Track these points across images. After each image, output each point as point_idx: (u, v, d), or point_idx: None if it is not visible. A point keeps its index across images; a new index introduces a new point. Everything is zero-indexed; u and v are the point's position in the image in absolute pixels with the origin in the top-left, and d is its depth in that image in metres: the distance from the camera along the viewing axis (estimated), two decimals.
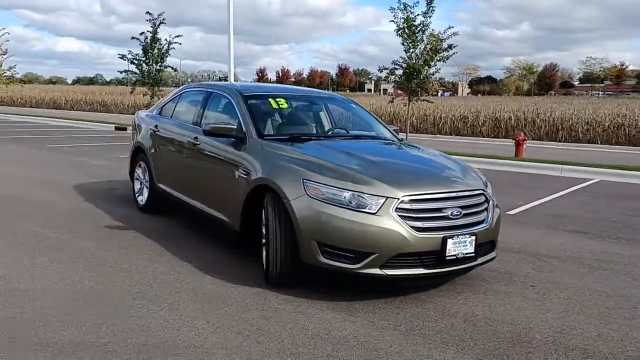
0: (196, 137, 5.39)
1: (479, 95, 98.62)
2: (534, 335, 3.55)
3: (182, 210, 6.46)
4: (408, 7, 15.22)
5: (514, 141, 14.86)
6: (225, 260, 4.91)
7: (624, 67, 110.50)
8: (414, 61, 15.58)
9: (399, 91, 21.32)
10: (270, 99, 5.38)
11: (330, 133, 5.49)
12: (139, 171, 6.75)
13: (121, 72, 24.21)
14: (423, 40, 15.54)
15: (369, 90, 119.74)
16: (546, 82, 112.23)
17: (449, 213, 3.98)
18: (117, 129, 20.60)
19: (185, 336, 3.39)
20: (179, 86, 9.23)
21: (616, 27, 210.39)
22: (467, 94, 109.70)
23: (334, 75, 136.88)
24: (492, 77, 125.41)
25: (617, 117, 22.53)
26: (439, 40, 15.38)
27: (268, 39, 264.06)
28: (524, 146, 14.38)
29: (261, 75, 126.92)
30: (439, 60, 15.50)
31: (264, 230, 4.50)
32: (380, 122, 5.90)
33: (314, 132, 5.43)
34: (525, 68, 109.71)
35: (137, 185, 6.80)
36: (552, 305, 4.10)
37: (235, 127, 4.87)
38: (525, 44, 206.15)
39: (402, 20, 15.42)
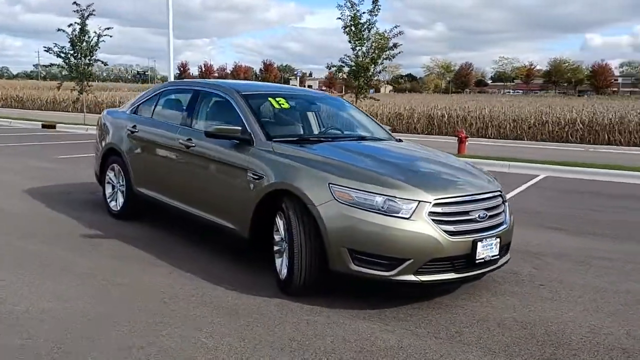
0: (189, 139, 5.08)
1: (402, 93, 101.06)
2: (570, 337, 3.59)
3: (164, 215, 6.13)
4: (354, 5, 15.27)
5: (456, 138, 15.30)
6: (231, 270, 4.65)
7: (532, 66, 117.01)
8: (361, 59, 15.65)
9: (333, 90, 21.39)
10: (270, 99, 5.15)
11: (337, 134, 5.30)
12: (110, 174, 6.30)
13: (47, 66, 22.79)
14: (369, 39, 15.65)
15: (294, 86, 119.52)
16: (462, 80, 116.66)
17: (476, 216, 3.95)
18: (44, 126, 19.32)
19: (226, 356, 3.15)
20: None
21: (522, 29, 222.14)
22: (389, 92, 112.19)
23: (258, 71, 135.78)
24: (413, 75, 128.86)
25: (541, 115, 23.72)
26: (385, 39, 15.54)
27: (189, 32, 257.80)
28: (466, 143, 14.84)
29: (183, 70, 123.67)
30: (386, 59, 15.66)
31: (276, 237, 4.32)
32: (375, 122, 5.82)
33: (319, 132, 5.26)
34: (443, 67, 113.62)
35: (108, 190, 6.34)
36: (570, 304, 4.17)
37: (240, 128, 4.61)
38: (442, 44, 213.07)
39: (349, 18, 15.45)
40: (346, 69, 16.03)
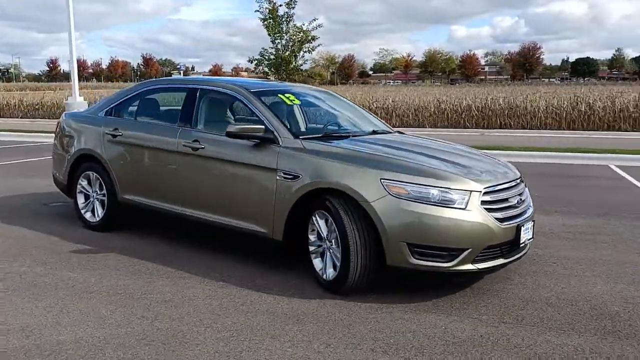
0: (195, 141, 4.79)
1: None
2: (614, 309, 3.86)
3: (148, 223, 5.75)
4: None
5: None
6: (260, 273, 4.48)
7: (410, 57, 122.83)
8: (281, 52, 15.58)
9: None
10: (280, 95, 4.99)
11: (353, 129, 5.18)
12: (83, 183, 5.77)
13: None
14: (288, 32, 15.61)
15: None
16: (345, 72, 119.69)
17: (515, 202, 4.12)
18: None
19: None
20: None
21: (394, 21, 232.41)
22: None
23: (135, 65, 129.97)
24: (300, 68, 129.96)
25: (440, 104, 25.02)
26: (304, 32, 15.58)
27: (53, 26, 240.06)
28: None
29: (53, 67, 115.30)
30: (306, 52, 15.71)
31: (311, 238, 4.24)
32: (373, 115, 5.83)
33: (336, 128, 5.15)
34: (328, 59, 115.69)
35: (81, 200, 5.81)
36: (591, 278, 4.48)
37: (263, 127, 4.42)
38: (324, 36, 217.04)
39: (267, 10, 15.32)
40: (266, 63, 15.86)
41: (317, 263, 4.23)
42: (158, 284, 4.24)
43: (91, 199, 5.74)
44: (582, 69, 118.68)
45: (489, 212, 3.86)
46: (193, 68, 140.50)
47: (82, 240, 5.36)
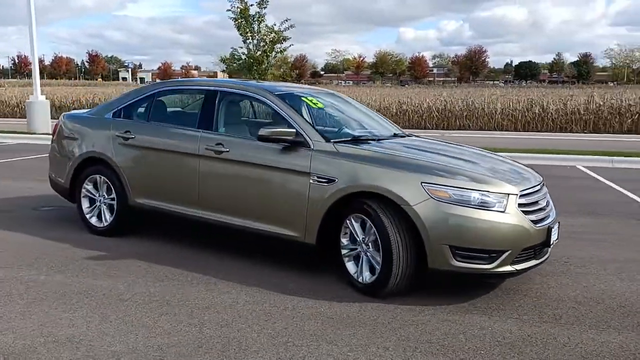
0: (219, 144, 4.72)
1: None
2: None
3: (161, 227, 5.63)
4: None
5: None
6: (291, 278, 4.45)
7: (361, 58, 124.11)
8: (252, 52, 15.48)
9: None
10: (304, 99, 4.98)
11: (375, 132, 5.19)
12: (88, 187, 5.58)
13: None
14: (260, 32, 15.52)
15: (124, 78, 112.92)
16: (298, 71, 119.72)
17: (544, 204, 4.27)
18: None
19: None
20: None
21: (343, 22, 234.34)
22: None
23: (80, 62, 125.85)
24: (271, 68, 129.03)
25: (401, 105, 25.44)
26: (276, 33, 15.53)
27: None
28: None
29: None
30: (279, 52, 15.65)
31: (344, 241, 4.26)
32: (382, 116, 5.87)
33: (361, 131, 5.12)
34: (280, 58, 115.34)
35: (85, 204, 5.62)
36: (607, 277, 4.66)
37: (294, 130, 4.41)
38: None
39: (238, 10, 15.18)
40: (237, 62, 15.71)
41: (350, 267, 4.25)
42: (191, 290, 4.16)
43: (97, 204, 5.56)
44: (525, 72, 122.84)
45: (525, 214, 3.98)
46: (140, 66, 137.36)
47: (91, 246, 5.19)
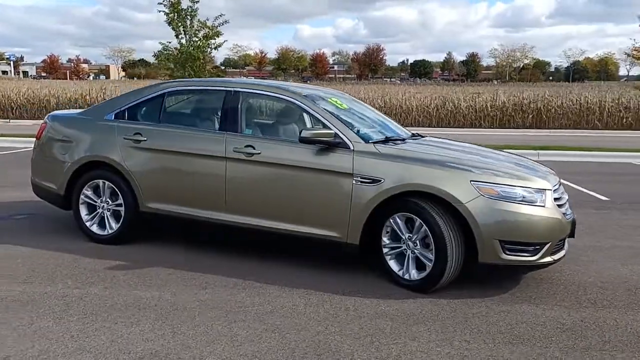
0: (249, 146, 4.63)
1: (135, 78, 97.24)
2: None
3: (168, 233, 5.43)
4: None
5: None
6: (335, 277, 4.48)
7: (263, 54, 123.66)
8: (185, 47, 15.05)
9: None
10: (330, 100, 4.99)
11: (401, 133, 5.31)
12: (88, 192, 5.25)
13: None
14: (193, 27, 15.12)
15: (5, 72, 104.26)
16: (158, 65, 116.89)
17: (566, 199, 4.62)
18: None
19: (489, 357, 3.25)
20: None
21: (240, 17, 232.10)
22: (122, 78, 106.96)
23: None
24: (147, 61, 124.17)
25: None
26: (209, 28, 15.20)
27: None
28: None
29: None
30: (214, 48, 15.33)
31: (386, 240, 4.37)
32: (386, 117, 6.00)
33: (388, 132, 5.18)
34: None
35: (84, 211, 5.28)
36: (608, 262, 5.10)
37: (334, 132, 4.43)
38: (166, 28, 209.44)
39: (170, 4, 14.71)
40: (171, 58, 15.22)
41: (393, 265, 4.36)
42: (242, 296, 4.08)
43: (99, 210, 5.24)
44: (420, 70, 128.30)
45: (559, 208, 4.29)
46: (22, 58, 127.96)
47: (102, 255, 4.90)
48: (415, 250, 4.24)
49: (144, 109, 5.28)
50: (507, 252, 4.07)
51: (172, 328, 3.51)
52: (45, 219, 6.14)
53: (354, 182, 4.33)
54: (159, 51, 15.32)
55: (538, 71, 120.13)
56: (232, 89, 4.95)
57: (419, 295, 4.17)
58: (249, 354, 3.20)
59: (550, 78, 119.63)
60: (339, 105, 5.05)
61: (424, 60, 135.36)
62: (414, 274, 4.24)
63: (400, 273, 4.31)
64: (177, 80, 5.33)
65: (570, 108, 26.23)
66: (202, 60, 15.17)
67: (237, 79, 5.69)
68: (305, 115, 4.82)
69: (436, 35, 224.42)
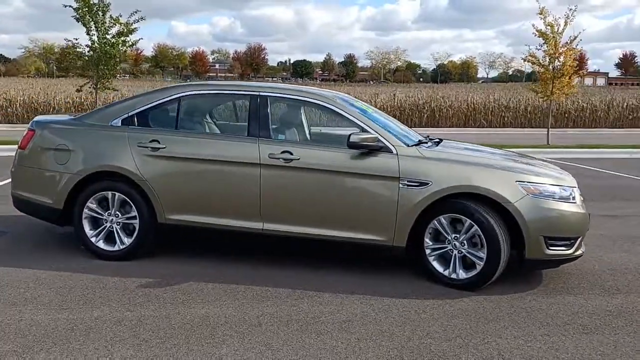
0: (286, 152, 4.50)
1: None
2: None
3: (186, 241, 5.12)
4: None
5: None
6: (379, 280, 4.48)
7: (139, 51, 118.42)
8: (98, 45, 14.12)
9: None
10: (355, 103, 4.96)
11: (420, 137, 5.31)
12: (93, 206, 4.79)
13: None
14: (105, 23, 14.21)
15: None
16: (63, 64, 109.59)
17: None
18: None
19: (578, 350, 3.46)
20: None
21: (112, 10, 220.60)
22: None
23: None
24: (5, 57, 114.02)
25: None
26: (124, 25, 14.37)
27: None
28: None
29: None
30: (129, 46, 14.51)
31: (429, 241, 4.47)
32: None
33: (414, 136, 5.20)
34: (45, 48, 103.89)
35: (88, 226, 4.81)
36: (618, 250, 5.59)
37: (375, 136, 4.44)
38: (22, 21, 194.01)
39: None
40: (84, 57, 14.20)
41: (436, 265, 4.46)
42: (305, 306, 3.97)
43: (106, 224, 4.81)
44: (301, 70, 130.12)
45: (582, 204, 4.65)
46: (71, 61, 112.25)
47: (121, 272, 4.51)
48: (463, 250, 4.37)
49: (157, 114, 4.92)
50: (550, 248, 4.33)
51: (263, 344, 3.34)
52: (31, 235, 5.55)
53: (400, 185, 4.37)
54: (64, 49, 14.21)
55: (409, 73, 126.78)
56: (258, 93, 4.77)
57: (467, 294, 4.29)
58: None
59: (421, 79, 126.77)
60: (366, 108, 5.05)
61: (305, 60, 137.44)
62: (461, 273, 4.37)
63: (445, 273, 4.42)
64: (192, 84, 5.01)
65: (460, 108, 28.12)
66: (117, 59, 14.27)
67: (260, 83, 5.48)
68: (340, 119, 4.76)
69: (312, 36, 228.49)
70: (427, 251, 4.48)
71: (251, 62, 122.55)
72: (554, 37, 16.28)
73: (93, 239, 4.82)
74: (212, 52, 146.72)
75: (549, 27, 16.29)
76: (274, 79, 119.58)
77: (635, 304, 4.21)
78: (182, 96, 4.89)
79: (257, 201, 4.57)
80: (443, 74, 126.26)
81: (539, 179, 4.40)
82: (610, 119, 28.86)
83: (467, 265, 4.38)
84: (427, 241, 4.47)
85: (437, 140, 5.26)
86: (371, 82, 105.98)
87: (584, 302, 4.21)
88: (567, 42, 16.50)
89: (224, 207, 4.65)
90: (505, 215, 4.28)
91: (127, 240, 4.78)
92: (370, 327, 3.67)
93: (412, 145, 4.59)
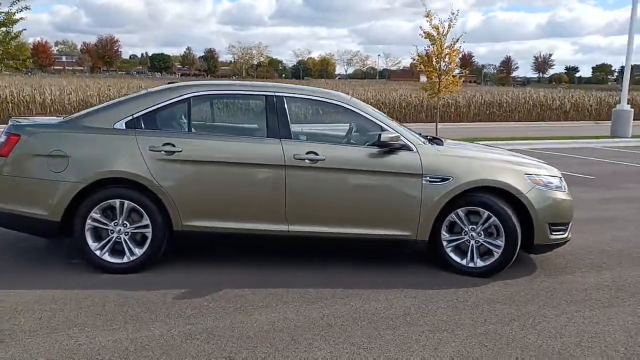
0: (311, 152, 4.48)
1: None
2: None
3: (202, 249, 4.90)
4: None
5: None
6: (401, 273, 4.65)
7: None
8: None
9: None
10: (363, 103, 5.04)
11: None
12: (96, 216, 4.38)
13: None
14: None
15: None
16: None
17: None
18: None
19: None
20: None
21: None
22: None
23: None
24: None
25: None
26: (5, 14, 13.00)
27: None
28: None
29: None
30: (13, 38, 13.13)
31: (445, 233, 4.73)
32: None
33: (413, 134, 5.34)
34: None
35: (91, 238, 4.40)
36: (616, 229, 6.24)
37: (397, 134, 4.59)
38: None
39: None
40: None
41: (453, 256, 4.74)
42: (356, 304, 4.02)
43: (112, 235, 4.43)
44: (159, 64, 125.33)
45: None
46: None
47: (144, 285, 4.22)
48: (480, 240, 4.68)
49: (165, 116, 4.62)
50: (552, 233, 4.79)
51: (350, 343, 3.38)
52: (11, 249, 4.93)
53: (423, 181, 4.57)
54: None
55: (272, 69, 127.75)
56: (273, 94, 4.68)
57: (486, 281, 4.59)
58: (451, 356, 3.30)
59: (283, 75, 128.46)
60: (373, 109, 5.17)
61: (162, 54, 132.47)
62: (479, 262, 4.68)
63: (463, 262, 4.70)
64: (201, 83, 4.75)
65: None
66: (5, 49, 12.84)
67: (273, 83, 5.32)
68: (358, 119, 4.82)
69: (166, 28, 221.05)
70: (444, 243, 4.72)
71: (103, 55, 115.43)
72: (439, 38, 17.45)
73: (98, 252, 4.42)
74: (57, 44, 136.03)
75: (434, 30, 17.42)
76: (129, 73, 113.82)
77: (624, 277, 4.79)
78: (193, 96, 4.63)
79: (282, 203, 4.50)
80: (304, 71, 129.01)
81: (540, 171, 4.85)
82: (471, 114, 31.54)
83: (482, 254, 4.69)
84: (444, 234, 4.72)
85: (440, 138, 5.53)
86: (234, 78, 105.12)
87: (581, 280, 4.72)
88: (451, 44, 17.74)
89: (247, 210, 4.52)
90: (516, 205, 4.66)
91: (139, 251, 4.45)
92: (430, 318, 3.83)
93: (427, 143, 4.81)
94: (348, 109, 4.81)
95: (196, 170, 4.46)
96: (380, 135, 4.51)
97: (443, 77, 18.00)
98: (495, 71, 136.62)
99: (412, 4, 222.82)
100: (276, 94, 4.70)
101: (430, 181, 4.57)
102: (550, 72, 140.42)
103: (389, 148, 4.56)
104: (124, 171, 4.38)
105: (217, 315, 3.74)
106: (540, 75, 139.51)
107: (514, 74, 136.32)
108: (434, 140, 5.24)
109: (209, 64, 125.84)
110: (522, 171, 4.75)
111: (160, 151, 4.41)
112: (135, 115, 4.54)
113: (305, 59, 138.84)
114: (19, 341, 3.28)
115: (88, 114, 4.66)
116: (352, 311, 3.89)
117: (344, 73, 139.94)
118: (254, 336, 3.45)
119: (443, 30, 17.58)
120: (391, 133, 4.56)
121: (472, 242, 4.69)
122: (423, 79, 23.50)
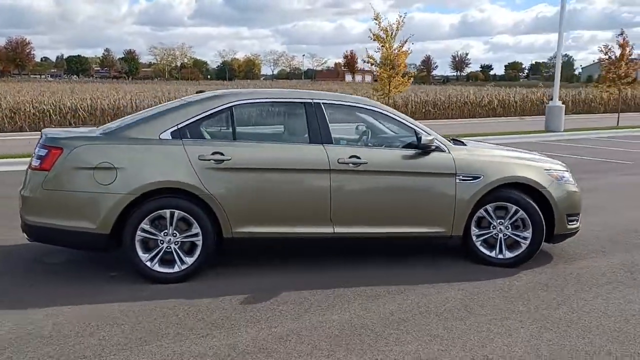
0: (354, 156, 4.66)
1: None
2: None
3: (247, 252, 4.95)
4: None
5: None
6: (440, 266, 4.91)
7: None
8: None
9: None
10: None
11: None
12: (146, 226, 4.35)
13: None
14: None
15: None
16: None
17: None
18: None
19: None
20: None
21: None
22: None
23: None
24: None
25: (97, 101, 22.69)
26: None
27: None
28: None
29: None
30: None
31: (475, 228, 5.05)
32: None
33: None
34: None
35: (141, 250, 4.37)
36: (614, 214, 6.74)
37: (433, 137, 4.85)
38: None
39: None
40: None
41: (482, 249, 5.06)
42: (416, 299, 4.24)
43: (162, 245, 4.41)
44: (76, 66, 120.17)
45: None
46: None
47: (205, 293, 4.26)
48: (508, 233, 5.02)
49: (209, 125, 4.69)
50: (569, 224, 5.21)
51: (430, 335, 3.60)
52: (42, 265, 4.80)
53: (457, 180, 4.85)
54: None
55: (197, 70, 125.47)
56: (311, 100, 4.82)
57: (513, 271, 4.92)
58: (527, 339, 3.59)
59: (208, 77, 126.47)
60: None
61: (79, 56, 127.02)
62: (507, 253, 5.02)
63: (492, 254, 5.03)
64: (239, 92, 4.78)
65: None
66: None
67: (310, 90, 5.39)
68: (393, 123, 5.04)
69: (78, 29, 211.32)
70: (474, 237, 5.03)
71: (15, 58, 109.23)
72: (388, 40, 17.96)
73: (148, 263, 4.39)
74: None
75: (383, 32, 17.91)
76: (42, 76, 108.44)
77: (631, 260, 5.27)
78: (234, 105, 4.69)
79: (327, 206, 4.65)
80: (229, 72, 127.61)
81: (555, 166, 5.27)
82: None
83: (509, 246, 5.03)
84: (474, 228, 5.03)
85: (461, 140, 5.84)
86: (157, 80, 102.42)
87: (596, 264, 5.15)
88: (400, 46, 18.27)
89: (293, 215, 4.63)
90: (539, 199, 5.03)
91: (189, 260, 4.46)
92: (488, 308, 4.10)
93: (455, 145, 5.10)
94: (384, 114, 5.03)
95: (244, 178, 4.52)
96: (420, 137, 4.75)
97: (393, 77, 18.51)
98: (416, 70, 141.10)
99: (334, 5, 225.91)
100: (314, 100, 4.83)
101: (463, 180, 4.86)
102: (467, 70, 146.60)
103: (427, 150, 4.80)
104: (177, 181, 4.38)
105: (293, 317, 3.85)
106: (458, 73, 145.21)
107: (434, 72, 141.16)
108: (457, 141, 5.54)
109: (130, 66, 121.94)
110: (541, 167, 5.14)
111: (209, 160, 4.44)
112: (180, 126, 4.54)
113: (230, 60, 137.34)
114: (116, 354, 3.25)
115: (130, 125, 4.61)
116: (414, 306, 4.10)
117: (270, 74, 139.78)
118: (339, 334, 3.59)
119: (392, 32, 18.08)
120: (428, 135, 4.82)
121: (501, 235, 5.02)
122: (348, 78, 24.03)
